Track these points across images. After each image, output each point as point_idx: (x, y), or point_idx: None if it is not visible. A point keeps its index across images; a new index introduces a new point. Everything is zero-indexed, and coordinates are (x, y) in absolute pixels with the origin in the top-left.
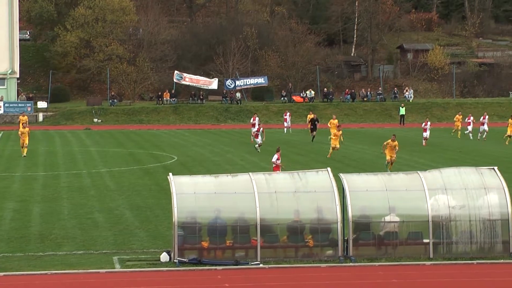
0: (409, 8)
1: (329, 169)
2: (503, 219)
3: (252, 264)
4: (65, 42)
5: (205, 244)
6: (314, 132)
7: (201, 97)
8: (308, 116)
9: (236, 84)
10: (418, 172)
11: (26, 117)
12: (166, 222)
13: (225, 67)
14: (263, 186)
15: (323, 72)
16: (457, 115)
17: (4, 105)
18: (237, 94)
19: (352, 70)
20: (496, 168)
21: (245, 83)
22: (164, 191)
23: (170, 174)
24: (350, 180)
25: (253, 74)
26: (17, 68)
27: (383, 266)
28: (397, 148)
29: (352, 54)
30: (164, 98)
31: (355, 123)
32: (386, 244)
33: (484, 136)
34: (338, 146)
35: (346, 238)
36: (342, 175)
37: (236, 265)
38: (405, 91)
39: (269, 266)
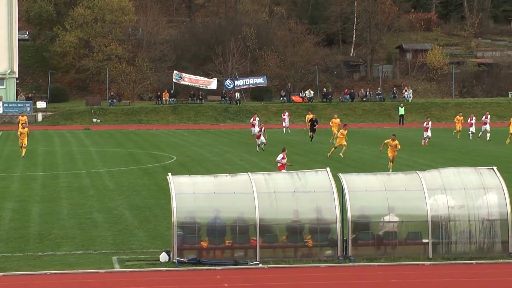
0: (408, 8)
1: (328, 169)
2: (502, 219)
3: (251, 264)
4: (64, 42)
5: (204, 244)
6: (313, 133)
7: (200, 97)
8: (307, 116)
9: (235, 84)
10: (417, 172)
11: (25, 117)
12: (165, 222)
13: (224, 67)
14: (262, 186)
15: (322, 72)
16: (458, 116)
17: (3, 105)
18: (236, 94)
19: (351, 70)
20: (495, 168)
21: (244, 83)
22: (163, 191)
23: (169, 174)
24: (349, 180)
25: (252, 74)
26: (16, 68)
27: (382, 266)
28: (398, 147)
29: (351, 54)
30: (163, 98)
31: (354, 123)
32: (385, 244)
33: (487, 137)
34: (345, 143)
35: (345, 238)
36: (341, 175)
37: (235, 265)
38: (404, 91)
39: (268, 266)
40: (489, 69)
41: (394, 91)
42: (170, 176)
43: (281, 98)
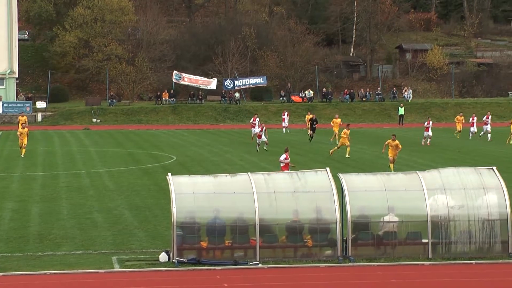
0: (408, 8)
1: (328, 169)
2: (502, 219)
3: (251, 264)
4: (64, 42)
5: (204, 244)
6: (312, 132)
7: (200, 97)
8: (307, 116)
9: (235, 84)
10: (417, 172)
11: (25, 117)
12: (165, 222)
13: (224, 67)
14: (262, 186)
15: (322, 72)
16: (458, 116)
17: (3, 105)
18: (236, 94)
19: (351, 70)
20: (495, 168)
21: (244, 83)
22: (163, 191)
23: (169, 174)
24: (349, 180)
25: (252, 74)
26: (16, 68)
27: (382, 266)
28: (399, 147)
29: (351, 54)
30: (163, 98)
31: (354, 123)
32: (385, 244)
33: (489, 137)
34: (348, 143)
35: (345, 238)
36: (341, 175)
37: (235, 265)
38: (404, 91)
39: (268, 266)
40: (489, 69)
41: (394, 91)
42: (169, 176)
43: (281, 98)
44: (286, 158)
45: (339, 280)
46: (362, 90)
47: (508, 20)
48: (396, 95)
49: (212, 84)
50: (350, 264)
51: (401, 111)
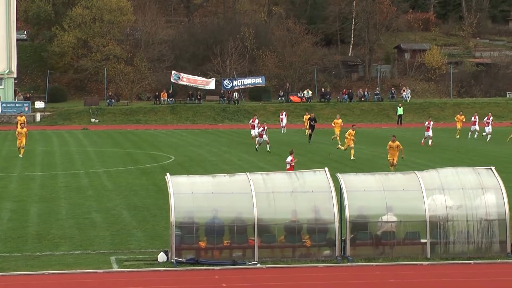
0: (407, 8)
1: (326, 169)
2: (500, 219)
3: (249, 264)
4: (63, 42)
5: (202, 244)
6: (311, 131)
7: (199, 97)
8: (305, 116)
9: (234, 84)
10: (416, 172)
11: (24, 117)
12: (164, 222)
13: (223, 67)
14: (261, 186)
15: (320, 72)
16: (458, 115)
17: (1, 105)
18: (234, 94)
19: (350, 70)
20: (493, 168)
21: (242, 83)
22: (162, 191)
23: (168, 174)
24: (348, 180)
25: (250, 74)
26: (14, 68)
27: (380, 266)
28: (400, 147)
29: (350, 54)
30: (162, 98)
31: (353, 123)
32: (384, 244)
33: (488, 138)
34: (352, 145)
35: (343, 238)
36: (339, 175)
37: (234, 265)
38: (402, 91)
39: (267, 266)
40: (487, 69)
41: (392, 91)
42: (168, 176)
43: (279, 98)
44: (292, 160)
45: (338, 280)
46: (360, 90)
47: (507, 20)
48: (394, 95)
49: (211, 84)
50: (348, 264)
51: (400, 111)
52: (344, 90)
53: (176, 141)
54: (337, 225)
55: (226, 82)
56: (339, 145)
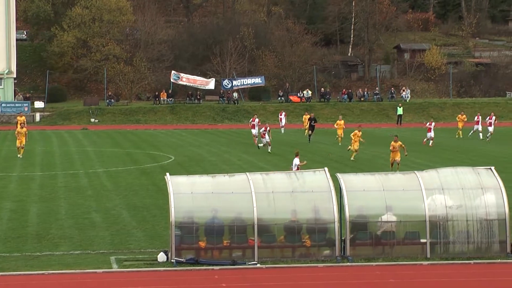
0: (406, 8)
1: (326, 169)
2: (500, 219)
3: (249, 264)
4: (62, 42)
5: (202, 244)
6: (311, 131)
7: (198, 97)
8: (304, 116)
9: (233, 84)
10: (415, 172)
11: (23, 117)
12: (163, 222)
13: (222, 67)
14: (260, 186)
15: (320, 72)
16: (459, 115)
17: (1, 105)
18: (234, 94)
19: (349, 70)
20: (493, 168)
21: (242, 83)
22: (161, 191)
23: (167, 174)
24: (347, 180)
25: (250, 74)
26: (14, 68)
27: (380, 266)
28: (403, 146)
29: (349, 54)
30: (161, 98)
31: (352, 123)
32: (383, 244)
33: (488, 137)
34: (356, 147)
35: (343, 238)
36: (339, 175)
37: (233, 265)
38: (402, 91)
39: (266, 266)
40: (487, 69)
41: (392, 91)
42: (168, 176)
43: (279, 98)
44: (300, 163)
45: (337, 280)
46: (360, 90)
47: (506, 20)
48: (394, 95)
49: (210, 84)
50: (348, 264)
51: (400, 111)
52: (344, 90)
53: (176, 141)
54: (337, 225)
55: (225, 82)
56: (349, 147)
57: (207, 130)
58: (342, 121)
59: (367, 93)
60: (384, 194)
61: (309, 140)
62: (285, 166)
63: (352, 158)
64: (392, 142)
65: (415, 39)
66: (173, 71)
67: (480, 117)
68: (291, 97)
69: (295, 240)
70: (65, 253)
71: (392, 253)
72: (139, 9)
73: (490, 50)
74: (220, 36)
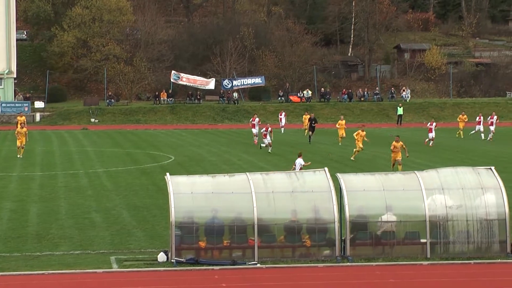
0: (406, 8)
1: (326, 169)
2: (500, 219)
3: (249, 264)
4: (62, 42)
5: (202, 244)
6: (312, 132)
7: (198, 97)
8: (304, 116)
9: (233, 84)
10: (415, 172)
11: (24, 117)
12: (163, 222)
13: (222, 67)
14: (261, 186)
15: (320, 72)
16: (460, 115)
17: (1, 105)
18: (234, 94)
19: (349, 70)
20: (493, 168)
21: (242, 83)
22: (161, 191)
23: (167, 174)
24: (347, 180)
25: (250, 74)
26: (14, 68)
27: (380, 266)
28: (404, 147)
29: (349, 54)
30: (161, 98)
31: (352, 123)
32: (383, 244)
33: (489, 136)
34: (359, 147)
35: (343, 238)
36: (339, 175)
37: (234, 265)
38: (402, 91)
39: (266, 266)
40: (487, 69)
41: (392, 91)
42: (168, 176)
43: (279, 98)
44: (304, 164)
45: (337, 280)
46: (360, 90)
47: (506, 20)
48: (394, 95)
49: (210, 84)
50: (348, 264)
51: (400, 111)
52: (344, 90)
53: (176, 141)
54: (337, 225)
55: (225, 82)
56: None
57: (207, 130)
58: (344, 121)
59: (367, 93)
60: (384, 194)
61: (310, 141)
62: (285, 166)
63: (352, 158)
64: (394, 142)
65: (415, 39)
66: (173, 71)
67: (482, 117)
68: (291, 97)
69: (295, 240)
70: (65, 253)
71: (392, 253)
72: (139, 9)
73: (490, 50)
74: (220, 36)
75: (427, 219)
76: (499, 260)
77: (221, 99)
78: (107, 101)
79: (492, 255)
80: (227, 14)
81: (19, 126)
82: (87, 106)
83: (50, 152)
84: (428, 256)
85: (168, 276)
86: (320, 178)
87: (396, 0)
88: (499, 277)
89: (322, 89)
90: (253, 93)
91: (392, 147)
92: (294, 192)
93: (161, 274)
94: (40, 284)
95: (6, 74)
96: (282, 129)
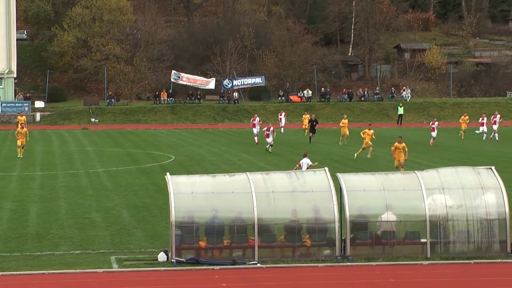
0: (406, 7)
1: (326, 168)
2: (500, 219)
3: (249, 264)
4: (62, 41)
5: (202, 243)
6: (313, 133)
7: (199, 96)
8: (304, 116)
9: (234, 84)
10: (416, 171)
11: (24, 116)
12: (164, 222)
13: (223, 67)
14: (261, 185)
15: (320, 72)
16: (462, 116)
17: (1, 105)
18: (234, 94)
19: (349, 69)
20: (493, 167)
21: (242, 83)
22: (162, 190)
23: (168, 173)
24: (348, 179)
25: (250, 74)
26: (14, 67)
27: (380, 266)
28: (406, 149)
29: (349, 54)
30: (162, 98)
31: (353, 123)
32: (384, 243)
33: (491, 136)
34: (370, 143)
35: (343, 237)
36: (339, 175)
37: (234, 264)
38: (402, 90)
39: (267, 265)
40: (487, 69)
41: (392, 91)
42: (168, 176)
43: (279, 98)
44: (312, 164)
45: (338, 280)
46: (360, 89)
47: (506, 20)
48: (394, 94)
49: (211, 84)
50: (348, 263)
51: (401, 110)
52: (344, 89)
53: (176, 141)
54: (337, 224)
55: (226, 82)
56: (367, 152)
57: (208, 130)
58: (347, 120)
59: (367, 92)
60: (385, 193)
61: (310, 141)
62: (285, 166)
63: (355, 157)
64: (396, 143)
65: (416, 39)
66: (173, 71)
67: (485, 118)
68: (291, 97)
69: (295, 240)
70: (65, 253)
71: (392, 253)
72: (140, 9)
73: (491, 50)
74: (221, 36)
75: (427, 219)
76: (499, 260)
77: (221, 99)
78: (107, 101)
79: (492, 255)
80: (227, 14)
81: (19, 126)
82: (87, 106)
83: (50, 152)
84: (428, 256)
85: (168, 276)
86: (320, 178)
87: (396, 0)
88: (499, 277)
89: (323, 89)
90: (253, 93)
91: (392, 148)
92: (294, 192)
93: (161, 274)
94: (40, 284)
95: (6, 73)
96: (282, 129)
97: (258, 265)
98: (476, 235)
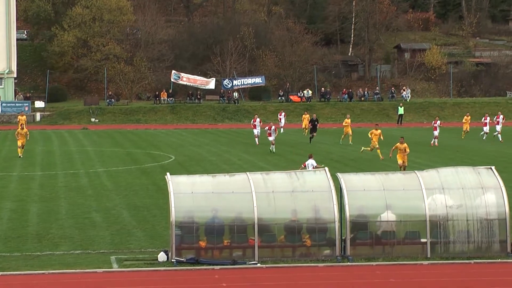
0: (406, 7)
1: (326, 168)
2: (501, 219)
3: (249, 264)
4: (62, 41)
5: (202, 243)
6: (314, 133)
7: (199, 96)
8: (304, 116)
9: (234, 84)
10: (416, 171)
11: (24, 116)
12: (164, 222)
13: (223, 67)
14: (261, 185)
15: (320, 72)
16: (465, 116)
17: (1, 104)
18: (234, 93)
19: (349, 69)
20: (493, 167)
21: (242, 83)
22: (162, 190)
23: (168, 173)
24: (348, 179)
25: (250, 74)
26: (14, 67)
27: (380, 266)
28: (407, 150)
29: (349, 54)
30: (162, 98)
31: (353, 123)
32: (384, 243)
33: (494, 133)
34: (377, 145)
35: (343, 237)
36: (339, 175)
37: (234, 264)
38: (402, 90)
39: (267, 265)
40: (487, 69)
41: (392, 91)
42: (168, 176)
43: (279, 98)
44: (318, 166)
45: (338, 280)
46: (360, 89)
47: (506, 19)
48: (394, 94)
49: (211, 83)
50: (348, 263)
51: (401, 110)
52: (344, 89)
53: (176, 141)
54: (337, 224)
55: (226, 81)
56: (366, 148)
57: (208, 129)
58: (349, 120)
59: (367, 92)
60: (385, 193)
61: (310, 141)
62: (285, 166)
63: (361, 150)
64: (398, 144)
65: (416, 39)
66: (173, 71)
67: (488, 118)
68: (291, 97)
69: (296, 239)
70: (65, 253)
71: (392, 253)
72: (140, 8)
73: (491, 49)
74: (221, 35)
75: (427, 219)
76: (499, 260)
77: (221, 98)
78: (107, 100)
79: (492, 255)
80: (227, 14)
81: (19, 126)
82: (87, 105)
83: (50, 151)
84: (428, 255)
85: (168, 276)
86: (320, 177)
87: (396, 0)
88: (499, 277)
89: (323, 88)
90: (253, 93)
91: (393, 148)
92: (294, 192)
93: (162, 273)
94: (40, 284)
95: (6, 73)
96: (282, 129)
97: (258, 265)
98: (476, 235)
